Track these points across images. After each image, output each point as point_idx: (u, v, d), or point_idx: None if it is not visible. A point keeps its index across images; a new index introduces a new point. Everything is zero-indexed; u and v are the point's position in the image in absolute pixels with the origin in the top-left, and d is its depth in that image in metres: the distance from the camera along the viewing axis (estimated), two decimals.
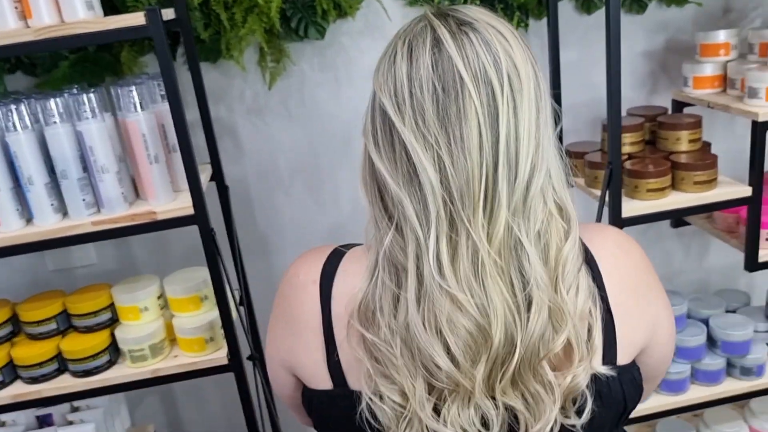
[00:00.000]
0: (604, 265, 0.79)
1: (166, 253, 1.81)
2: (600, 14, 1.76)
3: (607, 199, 1.40)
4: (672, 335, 0.89)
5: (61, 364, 1.39)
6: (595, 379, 0.75)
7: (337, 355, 0.78)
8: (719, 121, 1.84)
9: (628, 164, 1.46)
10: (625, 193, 1.45)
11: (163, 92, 1.33)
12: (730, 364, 1.60)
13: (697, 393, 1.58)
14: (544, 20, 1.71)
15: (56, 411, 1.56)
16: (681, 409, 1.57)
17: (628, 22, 1.81)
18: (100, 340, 1.38)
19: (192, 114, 1.54)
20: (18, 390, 1.37)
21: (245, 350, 1.46)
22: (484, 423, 0.72)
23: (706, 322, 1.61)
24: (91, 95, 1.24)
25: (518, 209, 0.68)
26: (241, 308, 1.61)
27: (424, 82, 0.67)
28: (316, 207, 1.87)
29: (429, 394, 0.71)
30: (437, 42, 0.68)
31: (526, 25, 1.72)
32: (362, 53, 1.73)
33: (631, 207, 1.41)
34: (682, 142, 1.46)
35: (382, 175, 0.70)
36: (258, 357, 1.52)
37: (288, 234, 1.88)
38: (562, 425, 0.74)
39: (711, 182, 1.42)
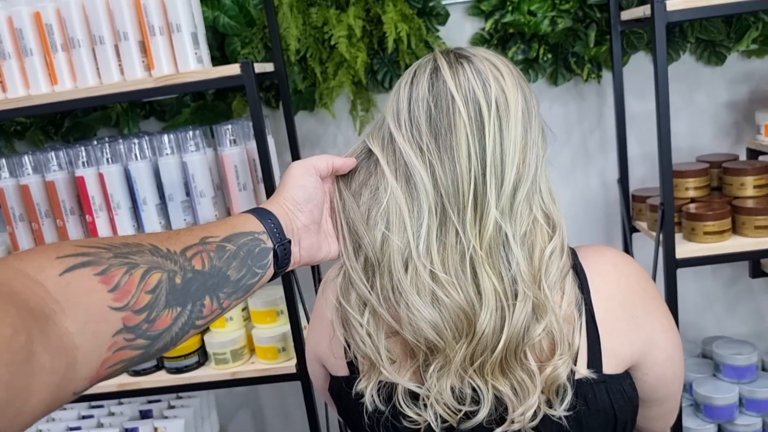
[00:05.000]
0: (594, 279, 0.86)
1: None
2: (675, 66, 1.80)
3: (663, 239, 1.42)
4: (672, 358, 0.89)
5: (159, 361, 1.62)
6: (581, 383, 0.82)
7: (351, 344, 0.90)
8: None
9: (691, 207, 1.48)
10: (684, 235, 1.47)
11: None
12: None
13: None
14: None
15: (156, 407, 1.79)
16: None
17: (708, 73, 1.84)
18: (192, 342, 1.59)
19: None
20: (123, 380, 1.61)
21: None
22: (461, 398, 0.81)
23: None
24: (196, 131, 1.49)
25: (505, 212, 0.79)
26: None
27: (420, 101, 0.81)
28: None
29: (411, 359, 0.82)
30: (436, 70, 0.82)
31: (599, 77, 1.80)
32: None
33: (686, 249, 1.42)
34: (747, 188, 1.46)
35: (385, 174, 0.83)
36: None
37: None
38: (547, 416, 0.81)
39: None
